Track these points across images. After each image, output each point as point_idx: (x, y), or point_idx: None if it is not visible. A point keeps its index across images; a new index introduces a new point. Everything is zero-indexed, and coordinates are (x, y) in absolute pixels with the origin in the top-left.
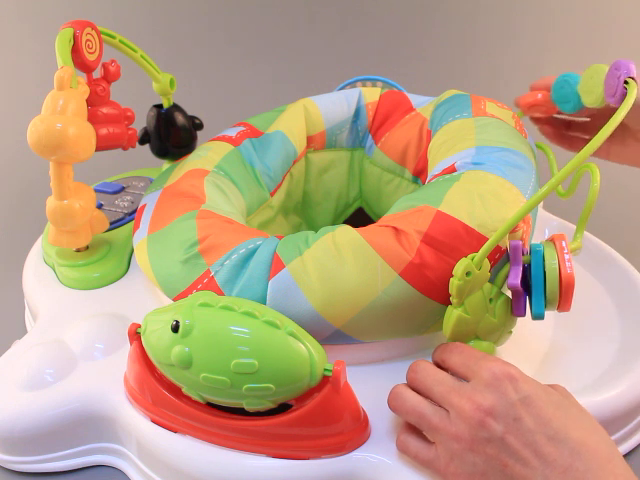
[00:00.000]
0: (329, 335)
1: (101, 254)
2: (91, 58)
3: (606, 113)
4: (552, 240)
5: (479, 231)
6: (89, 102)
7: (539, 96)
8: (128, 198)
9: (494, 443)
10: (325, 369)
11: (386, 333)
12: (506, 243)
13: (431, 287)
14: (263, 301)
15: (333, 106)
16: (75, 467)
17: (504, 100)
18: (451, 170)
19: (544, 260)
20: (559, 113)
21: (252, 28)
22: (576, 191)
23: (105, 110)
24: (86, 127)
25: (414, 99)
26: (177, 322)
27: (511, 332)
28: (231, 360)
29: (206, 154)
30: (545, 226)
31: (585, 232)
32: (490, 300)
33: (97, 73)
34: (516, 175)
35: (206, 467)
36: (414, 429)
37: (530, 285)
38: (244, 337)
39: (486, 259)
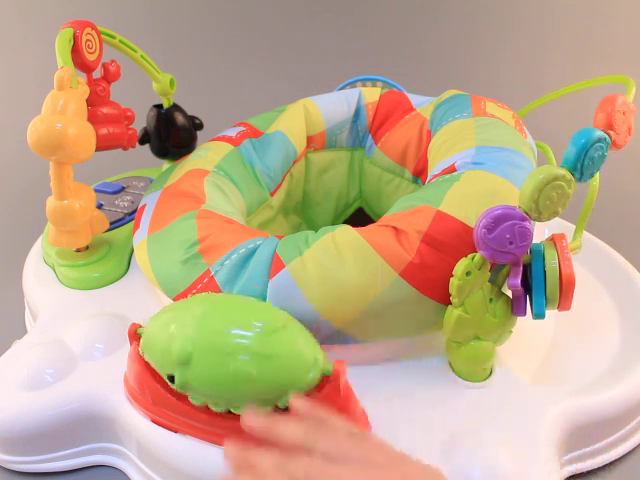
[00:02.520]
0: (329, 335)
1: (101, 254)
2: (91, 58)
3: None
4: (552, 240)
5: None
6: (89, 102)
7: None
8: (128, 198)
9: None
10: (325, 369)
11: (386, 333)
12: None
13: (431, 287)
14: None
15: (333, 106)
16: (75, 467)
17: (504, 100)
18: (451, 170)
19: (544, 260)
20: None
21: (252, 28)
22: (575, 190)
23: (105, 110)
24: (86, 127)
25: (414, 99)
26: (173, 376)
27: (511, 332)
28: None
29: (206, 154)
30: (545, 226)
31: (585, 232)
32: (490, 300)
33: (97, 73)
34: (516, 175)
35: (206, 467)
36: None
37: (530, 285)
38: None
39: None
